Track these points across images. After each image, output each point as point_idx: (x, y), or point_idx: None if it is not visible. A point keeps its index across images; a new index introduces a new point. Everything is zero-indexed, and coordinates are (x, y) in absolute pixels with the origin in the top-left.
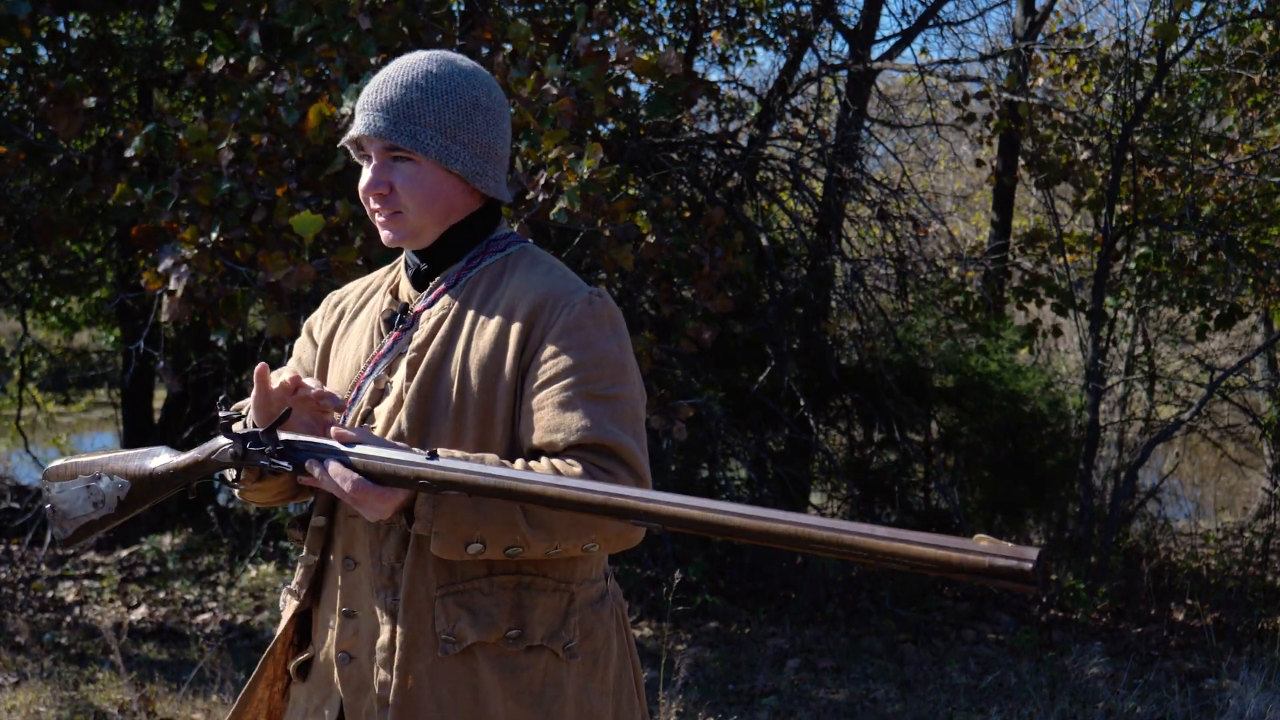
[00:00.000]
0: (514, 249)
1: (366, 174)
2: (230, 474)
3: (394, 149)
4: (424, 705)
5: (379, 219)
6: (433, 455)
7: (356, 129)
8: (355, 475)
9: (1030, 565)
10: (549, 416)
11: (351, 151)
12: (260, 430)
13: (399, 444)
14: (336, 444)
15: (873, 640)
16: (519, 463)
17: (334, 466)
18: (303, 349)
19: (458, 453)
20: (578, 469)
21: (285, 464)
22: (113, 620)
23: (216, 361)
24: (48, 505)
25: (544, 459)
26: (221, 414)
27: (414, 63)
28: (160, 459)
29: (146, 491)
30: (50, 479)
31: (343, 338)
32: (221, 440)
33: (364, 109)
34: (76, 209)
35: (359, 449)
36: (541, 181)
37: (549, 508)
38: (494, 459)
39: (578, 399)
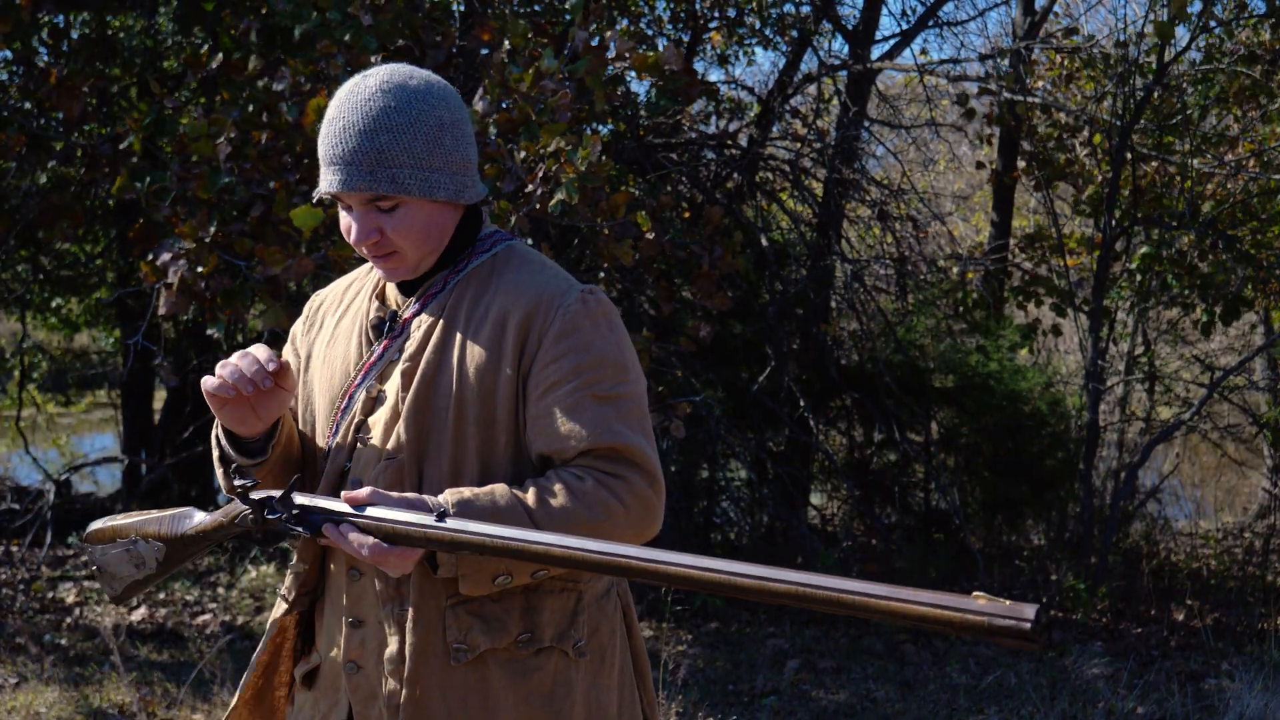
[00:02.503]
0: (500, 248)
1: (351, 224)
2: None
3: (377, 198)
4: (434, 713)
5: (374, 259)
6: (441, 517)
7: (331, 186)
8: (371, 540)
9: (1029, 624)
10: (556, 423)
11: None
12: (275, 496)
13: (410, 498)
14: (347, 507)
15: (873, 640)
16: (531, 491)
17: (350, 532)
18: (287, 358)
19: (467, 491)
20: (588, 482)
21: (302, 529)
22: (113, 621)
23: (218, 362)
24: (94, 567)
25: (556, 478)
26: (237, 482)
27: (366, 100)
28: (190, 521)
29: (180, 552)
30: (92, 542)
31: (329, 342)
32: (240, 505)
33: (332, 164)
34: (79, 204)
35: (370, 511)
36: (540, 175)
37: (559, 566)
38: (504, 491)
39: (583, 403)
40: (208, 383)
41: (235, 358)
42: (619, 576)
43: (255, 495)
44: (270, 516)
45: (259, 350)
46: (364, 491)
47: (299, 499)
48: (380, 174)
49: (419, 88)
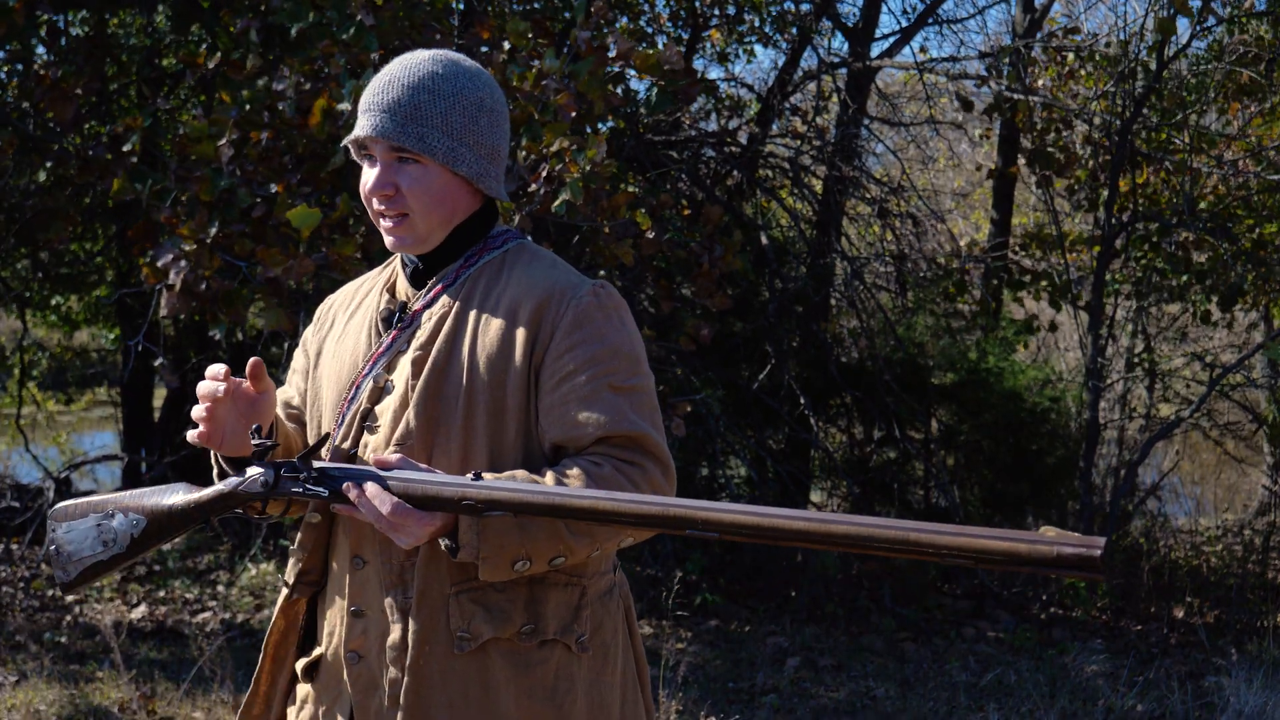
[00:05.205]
0: (511, 245)
1: (370, 174)
2: (254, 508)
3: (401, 150)
4: (435, 703)
5: (384, 223)
6: (477, 476)
7: (362, 129)
8: (395, 498)
9: (1099, 552)
10: (572, 411)
11: (353, 151)
12: (294, 458)
13: (438, 473)
14: (375, 470)
15: (873, 638)
16: (550, 475)
17: (371, 488)
18: (298, 362)
19: (486, 475)
20: (606, 469)
21: (321, 490)
22: (113, 619)
23: (217, 360)
24: (52, 547)
25: (573, 465)
26: (254, 442)
27: (418, 63)
28: (180, 494)
29: (162, 528)
30: (57, 519)
31: (339, 339)
32: (252, 471)
33: (369, 110)
34: (78, 204)
35: (398, 474)
36: (544, 174)
37: (600, 523)
38: (523, 475)
39: (599, 392)
40: (193, 436)
41: (200, 398)
42: (669, 530)
43: (274, 459)
44: (287, 475)
45: (210, 373)
46: (393, 457)
47: (318, 464)
48: (410, 129)
49: (470, 68)
